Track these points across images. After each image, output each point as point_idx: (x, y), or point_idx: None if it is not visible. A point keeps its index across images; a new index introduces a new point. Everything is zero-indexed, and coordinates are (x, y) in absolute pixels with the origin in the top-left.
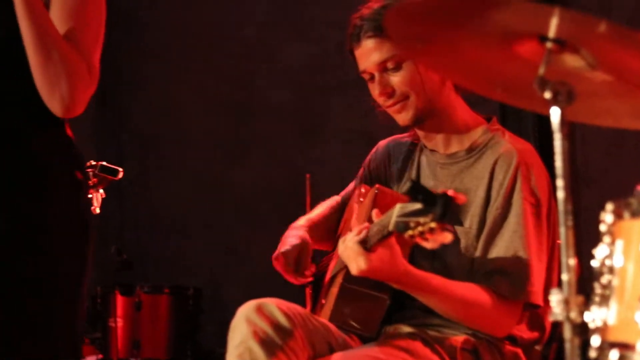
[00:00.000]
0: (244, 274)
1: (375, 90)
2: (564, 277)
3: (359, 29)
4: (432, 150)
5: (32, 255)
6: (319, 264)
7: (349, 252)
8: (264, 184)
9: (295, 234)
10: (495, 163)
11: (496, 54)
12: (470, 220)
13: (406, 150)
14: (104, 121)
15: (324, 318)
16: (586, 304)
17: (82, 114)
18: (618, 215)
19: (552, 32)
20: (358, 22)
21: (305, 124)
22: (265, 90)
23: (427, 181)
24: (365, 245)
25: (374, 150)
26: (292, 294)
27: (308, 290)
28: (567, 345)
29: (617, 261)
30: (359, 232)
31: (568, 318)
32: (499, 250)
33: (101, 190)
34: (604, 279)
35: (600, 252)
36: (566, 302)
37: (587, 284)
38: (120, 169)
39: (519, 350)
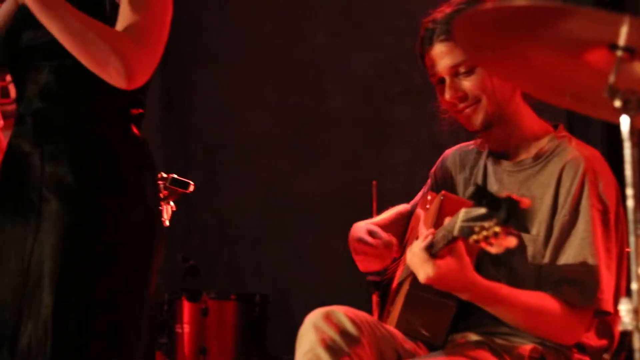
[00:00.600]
0: (311, 281)
1: (446, 94)
2: (634, 286)
3: (431, 32)
4: (498, 158)
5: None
6: (386, 271)
7: (416, 259)
8: (330, 191)
9: (359, 227)
10: (562, 170)
11: (566, 63)
12: (538, 227)
13: (472, 159)
14: (171, 129)
15: (391, 325)
16: None
17: (148, 122)
18: None
19: (622, 40)
20: (430, 25)
21: (371, 131)
22: (332, 97)
23: (493, 188)
24: (431, 250)
25: (440, 159)
26: (359, 301)
27: (375, 297)
28: (637, 355)
29: None
30: (425, 238)
31: (637, 327)
32: (567, 257)
33: (172, 203)
34: None
35: None
36: (635, 312)
37: None
38: (191, 183)
39: (587, 359)
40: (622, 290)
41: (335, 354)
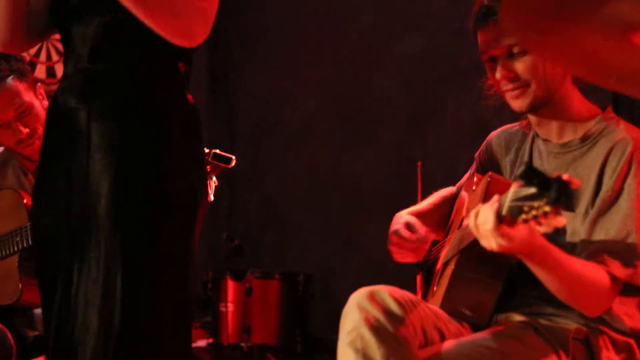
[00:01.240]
0: (355, 262)
1: (497, 73)
2: None
3: (485, 8)
4: (544, 140)
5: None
6: (430, 252)
7: (487, 226)
8: (376, 172)
9: (399, 218)
10: (609, 151)
11: (613, 45)
12: (581, 205)
13: (518, 140)
14: (217, 111)
15: (435, 305)
16: None
17: (196, 101)
18: None
19: None
20: (486, 2)
21: (417, 113)
22: (378, 79)
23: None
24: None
25: (485, 141)
26: (404, 281)
27: (419, 278)
28: None
29: None
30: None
31: None
32: (607, 232)
33: (214, 178)
34: None
35: None
36: None
37: None
38: (233, 157)
39: (632, 341)
40: None
41: (379, 333)
